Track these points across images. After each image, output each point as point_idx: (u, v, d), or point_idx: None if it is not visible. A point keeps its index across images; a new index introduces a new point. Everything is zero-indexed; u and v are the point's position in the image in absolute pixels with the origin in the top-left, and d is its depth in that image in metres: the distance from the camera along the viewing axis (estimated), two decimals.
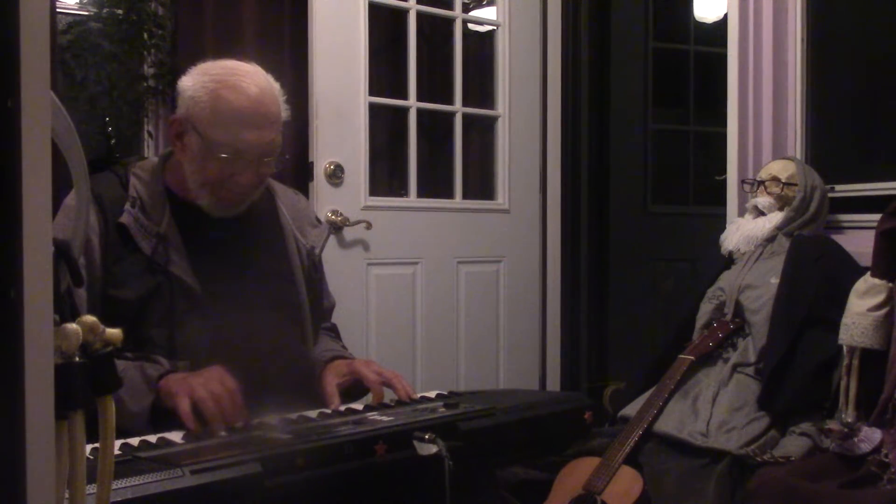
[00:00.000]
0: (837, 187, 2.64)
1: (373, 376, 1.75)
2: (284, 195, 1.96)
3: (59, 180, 0.71)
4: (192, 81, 1.72)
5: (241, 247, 1.79)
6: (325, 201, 2.92)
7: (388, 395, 1.76)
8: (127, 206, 1.68)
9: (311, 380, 1.78)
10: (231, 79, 1.69)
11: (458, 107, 3.33)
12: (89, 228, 1.64)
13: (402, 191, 3.30)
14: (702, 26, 4.41)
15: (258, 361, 1.64)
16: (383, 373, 1.76)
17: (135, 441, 1.37)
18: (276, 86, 1.76)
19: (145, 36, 2.95)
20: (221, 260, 1.74)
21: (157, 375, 1.56)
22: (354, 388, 1.78)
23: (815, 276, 2.25)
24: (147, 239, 1.67)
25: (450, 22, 3.34)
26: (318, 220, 2.07)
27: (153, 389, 1.54)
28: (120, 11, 2.92)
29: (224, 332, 1.65)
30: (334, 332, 2.03)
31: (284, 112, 1.76)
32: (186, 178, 1.73)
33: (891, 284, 1.98)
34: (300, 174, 2.90)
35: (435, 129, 3.46)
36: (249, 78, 1.71)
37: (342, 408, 1.67)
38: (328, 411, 1.64)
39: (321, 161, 2.92)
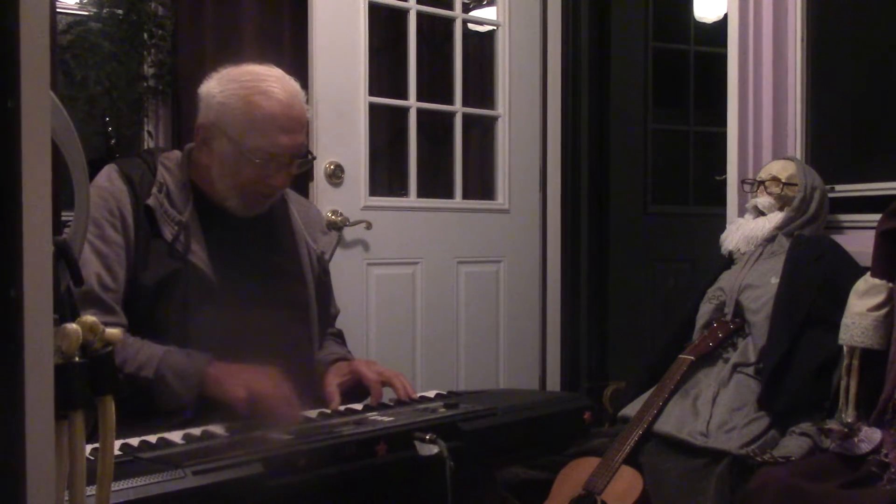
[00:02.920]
0: (837, 187, 2.63)
1: (372, 376, 1.76)
2: (297, 201, 1.99)
3: (60, 180, 0.71)
4: (220, 88, 1.73)
5: (257, 245, 1.81)
6: (325, 201, 2.92)
7: (388, 395, 1.76)
8: (154, 190, 1.71)
9: (314, 380, 1.79)
10: (261, 84, 1.71)
11: (458, 107, 3.33)
12: (125, 209, 1.67)
13: (401, 191, 3.29)
14: (702, 26, 4.41)
15: (265, 357, 1.65)
16: (384, 372, 1.77)
17: (135, 441, 1.37)
18: (300, 87, 1.79)
19: (145, 36, 2.95)
20: (238, 255, 1.76)
21: (206, 361, 1.58)
22: (355, 389, 1.79)
23: (815, 276, 2.24)
24: (169, 225, 1.69)
25: (450, 22, 3.34)
26: (328, 228, 2.09)
27: (200, 373, 1.56)
28: (120, 11, 2.92)
29: (235, 325, 1.67)
30: (340, 337, 2.04)
31: (308, 113, 1.79)
32: (214, 180, 1.75)
33: (891, 284, 1.98)
34: (300, 174, 2.90)
35: (435, 129, 3.46)
36: (278, 83, 1.73)
37: (342, 408, 1.67)
38: (328, 411, 1.64)
39: (321, 161, 2.92)
